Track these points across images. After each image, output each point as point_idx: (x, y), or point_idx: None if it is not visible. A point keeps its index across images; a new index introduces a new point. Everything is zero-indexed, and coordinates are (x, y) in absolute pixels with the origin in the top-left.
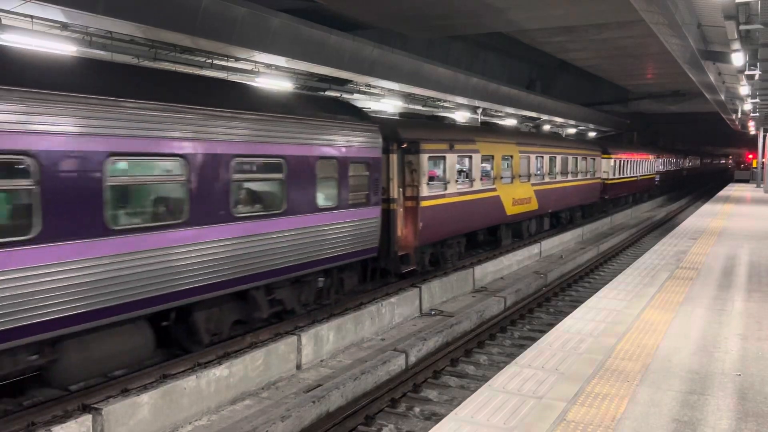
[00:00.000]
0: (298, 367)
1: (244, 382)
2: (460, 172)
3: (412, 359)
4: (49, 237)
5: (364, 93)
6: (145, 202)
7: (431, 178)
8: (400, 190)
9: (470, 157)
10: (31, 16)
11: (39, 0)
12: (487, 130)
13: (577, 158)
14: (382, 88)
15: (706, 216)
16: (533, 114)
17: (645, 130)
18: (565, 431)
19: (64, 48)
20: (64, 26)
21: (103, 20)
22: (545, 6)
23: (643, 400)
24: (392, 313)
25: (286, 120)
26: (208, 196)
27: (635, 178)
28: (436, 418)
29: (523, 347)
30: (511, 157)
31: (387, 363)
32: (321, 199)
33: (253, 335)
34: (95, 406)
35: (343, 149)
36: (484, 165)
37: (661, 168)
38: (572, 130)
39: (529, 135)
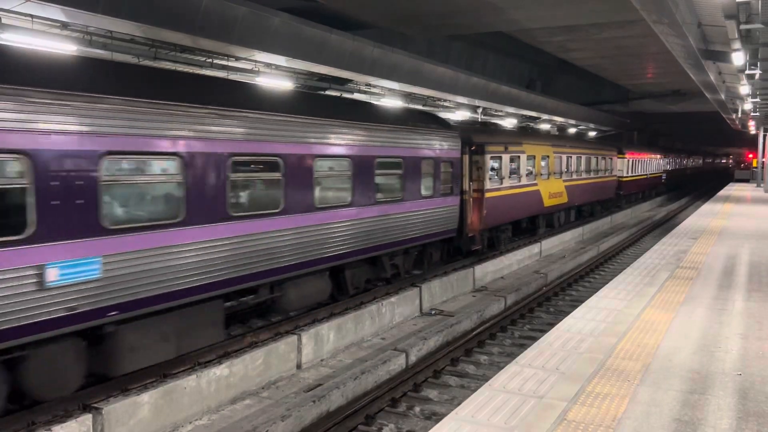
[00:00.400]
0: (299, 366)
1: (245, 381)
2: (511, 169)
3: (413, 359)
4: (287, 211)
5: (364, 92)
6: (331, 189)
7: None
8: (470, 183)
9: (519, 157)
10: (31, 16)
11: None
12: (529, 133)
13: (598, 158)
14: (382, 87)
15: (706, 215)
16: (533, 113)
17: (645, 129)
18: (566, 431)
19: (64, 47)
20: (64, 25)
21: (103, 19)
22: (546, 5)
23: (643, 399)
24: (392, 313)
25: (404, 130)
26: (363, 186)
27: (646, 176)
28: (436, 417)
29: (523, 347)
30: (548, 157)
31: (387, 362)
32: (423, 190)
33: (253, 335)
34: (95, 405)
35: (438, 151)
36: (528, 164)
37: (667, 167)
38: (572, 130)
39: (560, 137)
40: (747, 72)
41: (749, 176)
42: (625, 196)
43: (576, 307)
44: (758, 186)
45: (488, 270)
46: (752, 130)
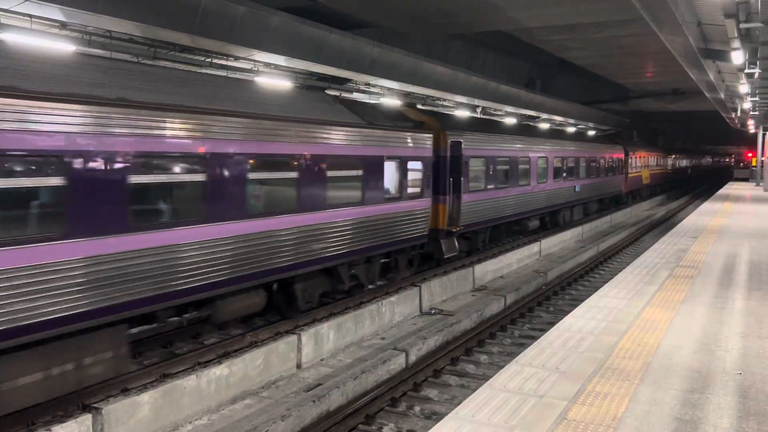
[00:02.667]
0: (299, 366)
1: (245, 381)
2: (633, 163)
3: (413, 358)
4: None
5: (364, 92)
6: (588, 171)
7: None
8: (624, 169)
9: (636, 157)
10: (30, 15)
11: None
12: (637, 143)
13: (660, 157)
14: (381, 87)
15: (706, 214)
16: (533, 113)
17: (644, 128)
18: (566, 430)
19: (64, 47)
20: (63, 25)
21: (102, 19)
22: (545, 4)
23: (644, 398)
24: (392, 312)
25: (607, 146)
26: (597, 170)
27: (679, 169)
28: (436, 417)
29: (523, 346)
30: (645, 156)
31: (387, 362)
32: (612, 171)
33: (252, 334)
34: (95, 405)
35: (615, 154)
36: (639, 161)
37: (690, 163)
38: (572, 129)
39: (647, 145)
40: (746, 71)
41: (749, 175)
42: (670, 181)
43: (576, 306)
44: (758, 185)
45: (488, 269)
46: (751, 128)
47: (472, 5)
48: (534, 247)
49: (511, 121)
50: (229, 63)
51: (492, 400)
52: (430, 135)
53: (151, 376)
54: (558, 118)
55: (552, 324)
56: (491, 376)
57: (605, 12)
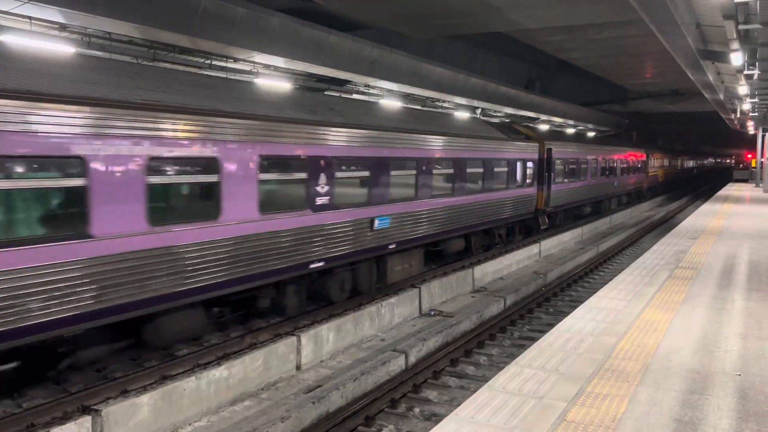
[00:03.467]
0: (298, 367)
1: (244, 382)
2: (651, 163)
3: (412, 359)
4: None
5: (363, 93)
6: (622, 171)
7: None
8: (645, 169)
9: (653, 158)
10: (30, 17)
11: (37, 1)
12: (654, 147)
13: (672, 159)
14: (381, 88)
15: (706, 215)
16: (532, 114)
17: (643, 129)
18: (566, 431)
19: (63, 49)
20: (63, 27)
21: (102, 21)
22: (544, 5)
23: (643, 399)
24: (392, 314)
25: (632, 150)
26: (626, 172)
27: (686, 168)
28: (436, 418)
29: (523, 347)
30: (659, 158)
31: (387, 363)
32: (634, 172)
33: (252, 336)
34: (94, 407)
35: (638, 156)
36: (655, 162)
37: (695, 164)
38: (571, 130)
39: (660, 148)
40: (745, 72)
41: (748, 176)
42: (679, 180)
43: (575, 307)
44: (757, 186)
45: (487, 270)
46: (751, 130)
47: (471, 7)
48: (533, 249)
49: (574, 131)
50: (229, 65)
51: (492, 401)
52: (537, 144)
53: (151, 378)
54: (557, 119)
55: (552, 325)
56: (491, 378)
57: (604, 13)
